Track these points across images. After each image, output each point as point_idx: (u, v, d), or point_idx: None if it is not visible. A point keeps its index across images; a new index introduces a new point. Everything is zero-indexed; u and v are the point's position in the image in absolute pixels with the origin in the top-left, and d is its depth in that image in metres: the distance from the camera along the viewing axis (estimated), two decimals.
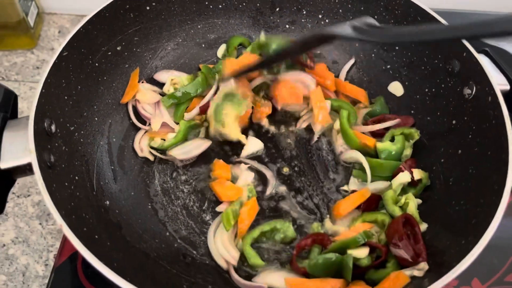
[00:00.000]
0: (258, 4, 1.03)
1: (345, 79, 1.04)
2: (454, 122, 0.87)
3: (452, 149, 0.85)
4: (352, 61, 1.04)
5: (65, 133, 0.80)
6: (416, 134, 0.90)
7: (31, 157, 0.67)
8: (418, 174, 0.86)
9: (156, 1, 0.95)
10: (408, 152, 0.91)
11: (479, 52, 0.87)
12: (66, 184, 0.75)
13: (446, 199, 0.81)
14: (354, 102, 1.00)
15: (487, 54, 0.88)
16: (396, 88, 0.98)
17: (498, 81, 0.83)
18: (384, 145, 0.89)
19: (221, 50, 1.05)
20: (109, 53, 0.91)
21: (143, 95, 0.94)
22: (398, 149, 0.89)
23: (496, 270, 0.87)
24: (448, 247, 0.72)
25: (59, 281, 0.84)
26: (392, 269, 0.74)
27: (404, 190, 0.86)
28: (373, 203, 0.85)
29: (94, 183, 0.83)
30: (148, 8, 0.95)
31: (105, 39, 0.90)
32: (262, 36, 0.99)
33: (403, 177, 0.84)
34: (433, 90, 0.92)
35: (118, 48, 0.93)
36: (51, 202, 0.64)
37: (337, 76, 1.03)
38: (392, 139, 0.91)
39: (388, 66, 1.00)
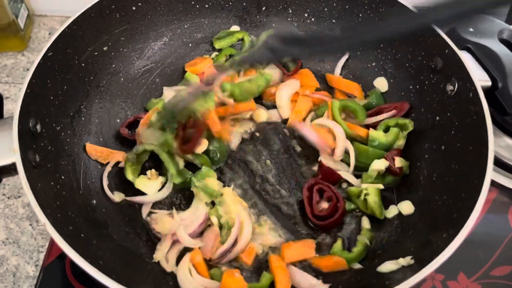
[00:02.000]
0: (244, 3, 1.04)
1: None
2: (437, 118, 0.87)
3: (435, 145, 0.86)
4: (346, 57, 1.04)
5: (51, 132, 0.80)
6: (410, 125, 0.90)
7: (15, 157, 0.68)
8: (399, 162, 0.87)
9: (142, 1, 0.96)
10: (401, 142, 0.91)
11: (461, 49, 0.88)
12: (52, 183, 0.75)
13: (429, 195, 0.82)
14: (349, 96, 1.01)
15: (469, 50, 0.89)
16: (381, 84, 0.99)
17: (480, 77, 0.84)
18: (377, 134, 0.89)
19: (213, 55, 1.05)
20: (96, 53, 0.92)
21: None
22: (389, 141, 0.89)
23: (482, 265, 0.87)
24: (430, 241, 0.73)
25: (48, 281, 0.84)
26: (356, 254, 0.79)
27: (383, 177, 0.87)
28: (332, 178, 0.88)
29: (80, 182, 0.83)
30: (134, 8, 0.95)
31: (91, 39, 0.90)
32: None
33: (378, 164, 0.86)
34: (417, 87, 0.93)
35: (104, 48, 0.93)
36: (35, 201, 0.65)
37: (330, 72, 1.04)
38: (386, 129, 0.91)
39: (374, 64, 1.01)
